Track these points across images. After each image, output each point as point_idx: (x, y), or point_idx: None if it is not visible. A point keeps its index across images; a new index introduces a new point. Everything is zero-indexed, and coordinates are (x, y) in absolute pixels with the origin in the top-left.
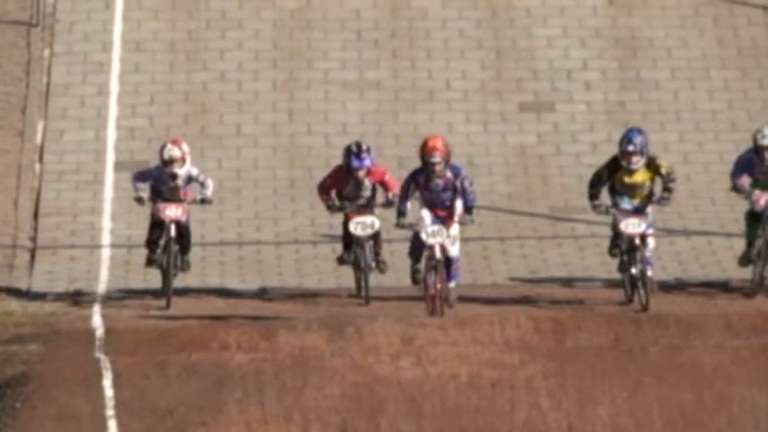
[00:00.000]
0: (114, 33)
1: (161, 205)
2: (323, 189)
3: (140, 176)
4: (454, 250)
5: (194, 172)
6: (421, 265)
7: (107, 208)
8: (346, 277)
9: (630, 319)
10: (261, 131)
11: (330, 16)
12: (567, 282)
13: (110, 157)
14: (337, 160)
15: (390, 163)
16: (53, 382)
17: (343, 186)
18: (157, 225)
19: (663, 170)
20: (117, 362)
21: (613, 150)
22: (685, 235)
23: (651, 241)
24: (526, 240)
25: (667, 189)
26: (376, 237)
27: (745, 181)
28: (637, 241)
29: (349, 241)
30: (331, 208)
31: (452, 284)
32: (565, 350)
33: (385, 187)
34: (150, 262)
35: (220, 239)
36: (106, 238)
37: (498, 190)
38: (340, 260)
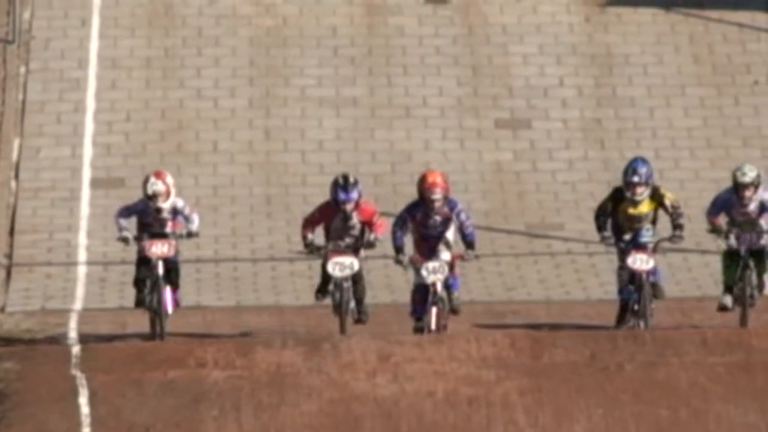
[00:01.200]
0: (90, 50)
1: (147, 243)
2: (309, 223)
3: (123, 212)
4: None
5: (180, 204)
6: (424, 323)
7: (83, 225)
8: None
9: (606, 336)
10: (237, 148)
11: (306, 33)
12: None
13: (86, 174)
14: (314, 176)
15: (366, 180)
16: (29, 399)
17: (330, 220)
18: (144, 263)
19: (667, 202)
20: (93, 380)
21: (589, 167)
22: (660, 253)
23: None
24: (502, 257)
25: (678, 226)
26: (356, 279)
27: (722, 221)
28: (644, 277)
29: (326, 279)
30: (309, 247)
31: (455, 293)
32: (541, 367)
33: (371, 228)
34: (138, 302)
35: (197, 256)
36: (82, 255)
37: (474, 207)
38: (317, 297)
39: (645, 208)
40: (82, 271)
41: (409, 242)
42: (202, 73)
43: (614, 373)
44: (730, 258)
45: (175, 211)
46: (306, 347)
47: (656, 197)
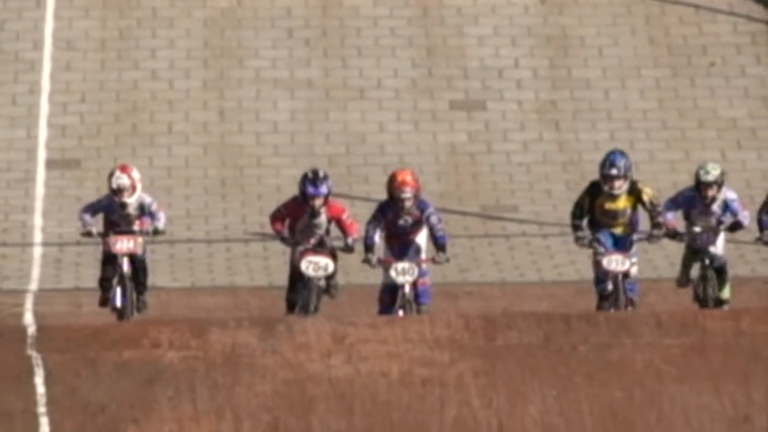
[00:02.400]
0: (45, 31)
1: (112, 239)
2: (276, 218)
3: (88, 209)
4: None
5: (147, 200)
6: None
7: (38, 206)
8: (277, 274)
9: (560, 317)
10: (192, 129)
11: (261, 15)
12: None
13: (41, 155)
14: (268, 158)
15: (320, 161)
16: None
17: (297, 218)
18: (110, 261)
19: (646, 198)
20: (49, 359)
21: (544, 149)
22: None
23: (634, 270)
24: (456, 239)
25: (657, 224)
26: (330, 282)
27: (673, 220)
28: (620, 279)
29: (295, 280)
30: (285, 240)
31: (423, 308)
32: (495, 348)
33: (343, 228)
34: (104, 301)
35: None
36: (37, 236)
37: (429, 188)
38: (289, 302)
39: (623, 203)
40: (37, 251)
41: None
42: (156, 55)
43: (568, 354)
44: (691, 255)
45: (141, 208)
46: (261, 328)
47: (634, 192)
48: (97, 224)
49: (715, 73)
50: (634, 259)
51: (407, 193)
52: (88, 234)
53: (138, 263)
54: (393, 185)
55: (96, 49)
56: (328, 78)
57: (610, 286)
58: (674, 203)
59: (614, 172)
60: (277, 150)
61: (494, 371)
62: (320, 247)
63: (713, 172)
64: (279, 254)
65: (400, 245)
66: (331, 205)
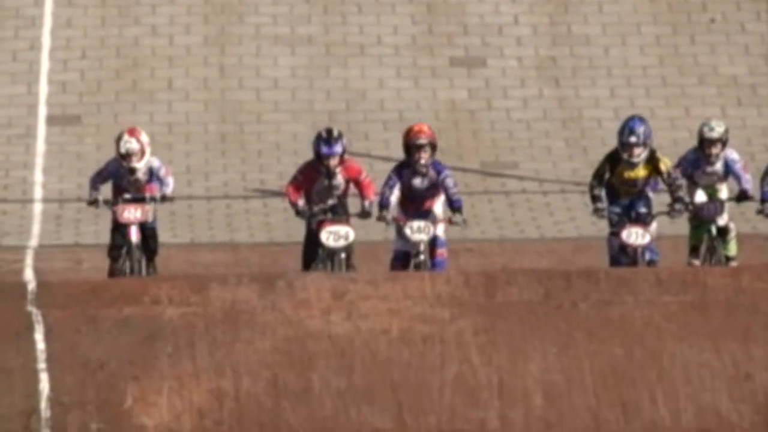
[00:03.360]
0: None
1: (120, 207)
2: (294, 187)
3: (97, 177)
4: (440, 231)
5: (155, 164)
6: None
7: (39, 162)
8: (277, 231)
9: (560, 274)
10: (192, 86)
11: None
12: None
13: (42, 112)
14: (268, 114)
15: (321, 117)
16: None
17: (313, 181)
18: (119, 229)
19: (663, 167)
20: (49, 316)
21: (544, 105)
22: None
23: (653, 230)
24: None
25: (677, 199)
26: (348, 250)
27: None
28: (639, 252)
29: (312, 256)
30: (301, 213)
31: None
32: (495, 305)
33: (360, 189)
34: (112, 272)
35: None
36: (38, 193)
37: None
38: (307, 265)
39: (642, 172)
40: (37, 208)
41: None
42: (157, 11)
43: (568, 311)
44: (698, 225)
45: (150, 173)
46: (261, 284)
47: (652, 161)
48: (105, 191)
49: (715, 30)
50: (654, 231)
51: (422, 140)
52: (95, 202)
53: (148, 231)
54: (409, 135)
55: (96, 5)
56: (328, 34)
57: (624, 260)
58: (683, 173)
59: (633, 139)
60: (278, 106)
61: (494, 328)
62: (337, 215)
63: (717, 129)
64: (279, 211)
65: (416, 212)
66: (347, 165)
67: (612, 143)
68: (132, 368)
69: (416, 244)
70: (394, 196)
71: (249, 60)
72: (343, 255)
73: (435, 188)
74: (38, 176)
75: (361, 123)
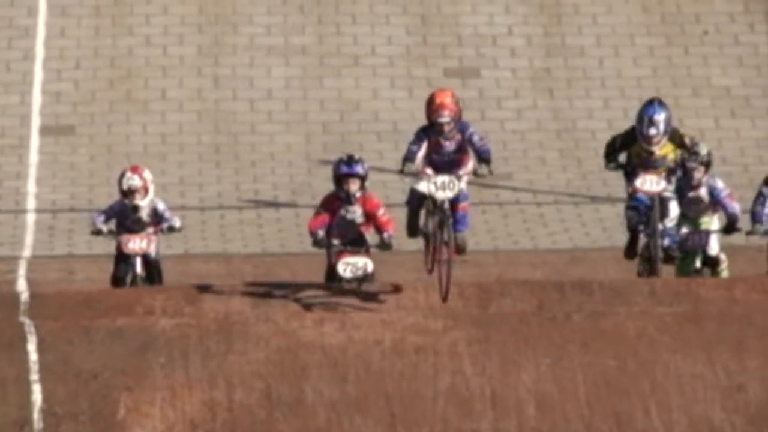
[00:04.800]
0: None
1: (124, 237)
2: (316, 221)
3: (101, 215)
4: (463, 183)
5: (160, 206)
6: (422, 215)
7: (32, 172)
8: (270, 241)
9: (553, 285)
10: (186, 96)
11: None
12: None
13: (35, 122)
14: (262, 125)
15: (314, 128)
16: None
17: (334, 212)
18: (123, 259)
19: (687, 140)
20: (42, 327)
21: (538, 116)
22: (609, 202)
23: (673, 209)
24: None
25: (695, 153)
26: (367, 281)
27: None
28: (656, 202)
29: (333, 270)
30: (319, 243)
31: (460, 235)
32: (488, 316)
33: (379, 225)
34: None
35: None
36: (31, 203)
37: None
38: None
39: (664, 150)
40: (30, 218)
41: None
42: (150, 21)
43: (562, 322)
44: (684, 257)
45: (155, 214)
46: (254, 296)
47: (675, 139)
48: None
49: (708, 41)
50: (673, 215)
51: (445, 117)
52: (99, 233)
53: (152, 265)
54: (431, 108)
55: (90, 15)
56: (322, 45)
57: (637, 218)
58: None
59: (653, 131)
60: (271, 117)
61: (488, 339)
62: (356, 246)
63: (701, 152)
64: (273, 221)
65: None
66: (367, 195)
67: None
68: (125, 379)
69: (442, 202)
70: (421, 153)
71: (243, 70)
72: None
73: (462, 151)
74: (31, 187)
75: (355, 134)
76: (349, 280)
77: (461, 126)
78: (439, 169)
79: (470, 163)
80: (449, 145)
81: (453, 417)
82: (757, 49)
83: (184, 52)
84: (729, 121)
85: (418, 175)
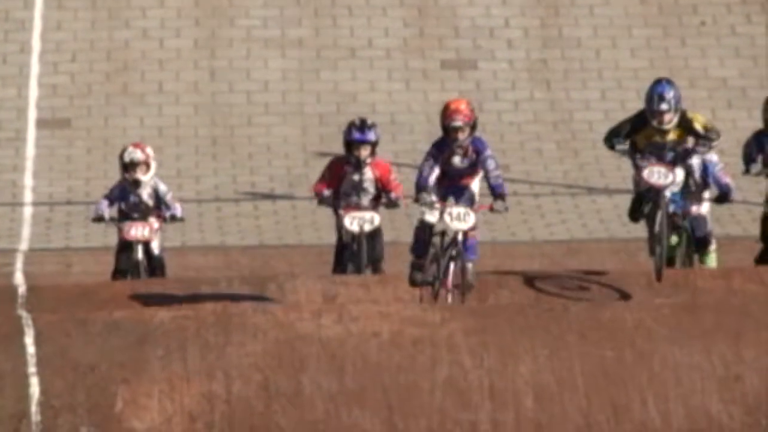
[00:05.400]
0: None
1: (126, 225)
2: (321, 184)
3: (103, 203)
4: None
5: (162, 188)
6: (425, 266)
7: (29, 165)
8: (267, 233)
9: (551, 277)
10: (183, 89)
11: None
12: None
13: (32, 115)
14: (259, 117)
15: (311, 120)
16: None
17: (341, 177)
18: (125, 250)
19: (698, 126)
20: (39, 319)
21: (535, 108)
22: (606, 194)
23: (679, 173)
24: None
25: (708, 138)
26: (374, 237)
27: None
28: (662, 193)
29: (342, 250)
30: (324, 200)
31: (470, 265)
32: (486, 308)
33: (389, 188)
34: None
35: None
36: (27, 196)
37: (419, 148)
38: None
39: (673, 135)
40: (27, 211)
41: None
42: (147, 14)
43: (559, 314)
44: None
45: (157, 196)
46: (252, 287)
47: (684, 123)
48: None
49: (705, 33)
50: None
51: (458, 122)
52: (100, 219)
53: (155, 261)
54: (445, 114)
55: (86, 8)
56: (318, 37)
57: (646, 209)
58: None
59: (665, 106)
60: (268, 109)
61: (485, 331)
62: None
63: (712, 139)
64: (270, 214)
65: (452, 189)
66: (378, 162)
67: (603, 146)
68: (122, 371)
69: (455, 234)
70: (433, 177)
71: (239, 63)
72: (364, 242)
73: (474, 167)
74: (28, 180)
75: None
76: (355, 234)
77: (478, 144)
78: (449, 179)
79: (477, 183)
80: (462, 160)
81: (451, 409)
82: (753, 40)
83: (181, 45)
84: (726, 112)
85: (432, 206)
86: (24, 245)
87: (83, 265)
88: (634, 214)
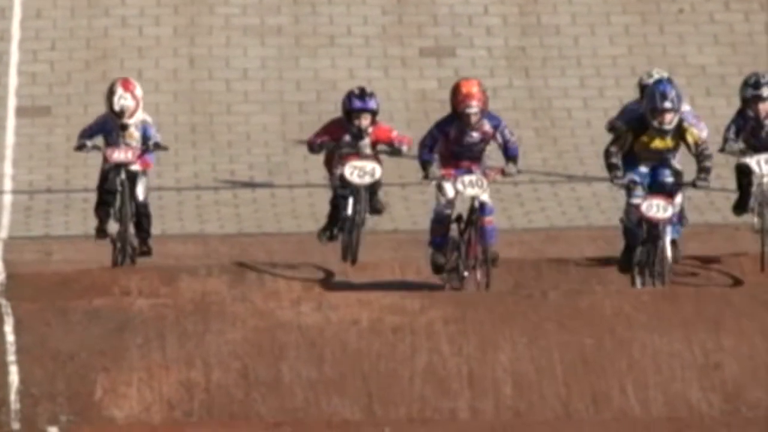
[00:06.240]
0: None
1: (108, 150)
2: (315, 136)
3: (85, 134)
4: (486, 197)
5: (149, 119)
6: (445, 258)
7: (8, 154)
8: (247, 222)
9: (530, 264)
10: (162, 77)
11: None
12: None
13: (12, 103)
14: (238, 105)
15: (291, 108)
16: None
17: (337, 140)
18: (107, 178)
19: (690, 138)
20: (18, 308)
21: (513, 95)
22: (585, 181)
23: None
24: (427, 186)
25: (703, 169)
26: (374, 190)
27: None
28: (661, 227)
29: (334, 218)
30: (320, 147)
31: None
32: (465, 295)
33: (394, 140)
34: (100, 232)
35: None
36: (7, 184)
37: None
38: (321, 238)
39: (669, 142)
40: (7, 199)
41: None
42: (126, 2)
43: (538, 301)
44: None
45: (144, 131)
46: (231, 276)
47: (679, 131)
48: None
49: (683, 20)
50: (678, 202)
51: (473, 108)
52: (83, 147)
53: (141, 208)
54: (457, 98)
55: None
56: (298, 25)
57: (643, 234)
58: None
59: (668, 105)
60: (247, 97)
61: (465, 318)
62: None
63: (657, 76)
64: (249, 202)
65: (455, 169)
66: (380, 127)
67: (582, 134)
68: (102, 359)
69: (473, 199)
70: (435, 154)
71: (219, 51)
72: (366, 196)
73: (485, 143)
74: (8, 168)
75: (331, 113)
76: (356, 185)
77: (494, 120)
78: (460, 159)
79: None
80: (474, 136)
81: (430, 396)
82: (732, 27)
83: (160, 33)
84: (704, 100)
85: (441, 179)
86: (3, 233)
87: (63, 253)
88: (625, 264)
